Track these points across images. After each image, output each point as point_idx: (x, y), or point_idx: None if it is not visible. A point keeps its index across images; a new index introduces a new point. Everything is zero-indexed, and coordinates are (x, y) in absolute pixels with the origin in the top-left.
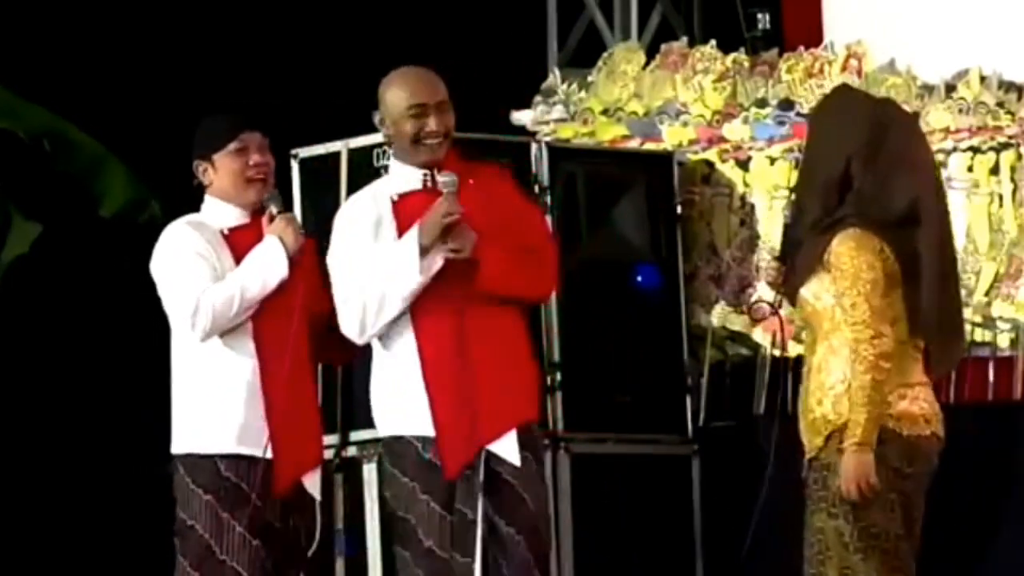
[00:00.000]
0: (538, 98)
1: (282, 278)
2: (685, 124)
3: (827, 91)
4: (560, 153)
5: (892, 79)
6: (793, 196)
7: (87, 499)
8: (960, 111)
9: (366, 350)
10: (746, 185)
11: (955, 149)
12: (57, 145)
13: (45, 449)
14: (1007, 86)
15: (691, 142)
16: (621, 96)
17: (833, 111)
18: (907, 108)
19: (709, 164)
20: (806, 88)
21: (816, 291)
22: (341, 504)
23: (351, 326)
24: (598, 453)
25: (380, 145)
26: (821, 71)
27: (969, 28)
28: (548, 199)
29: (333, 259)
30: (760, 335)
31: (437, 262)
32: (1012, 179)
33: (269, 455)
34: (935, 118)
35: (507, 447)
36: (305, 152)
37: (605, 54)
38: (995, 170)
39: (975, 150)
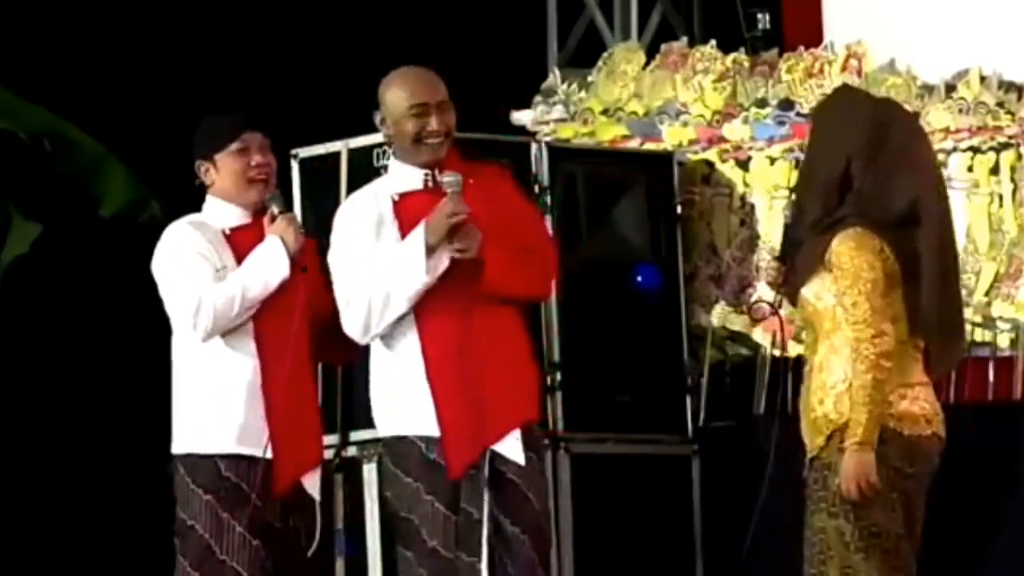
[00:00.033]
0: (538, 98)
1: (283, 278)
2: (685, 124)
3: (827, 91)
4: (560, 153)
5: (892, 79)
6: (793, 196)
7: (87, 499)
8: (960, 111)
9: (365, 350)
10: (746, 185)
11: (955, 149)
12: (57, 145)
13: (45, 449)
14: (1007, 86)
15: (691, 142)
16: (621, 96)
17: (834, 111)
18: (907, 108)
19: (709, 164)
20: (806, 88)
21: (817, 291)
22: (341, 504)
23: (354, 326)
24: (598, 453)
25: (380, 145)
26: (821, 71)
27: (969, 28)
28: (548, 199)
29: (335, 258)
30: (760, 335)
31: (443, 261)
32: (1012, 179)
33: (269, 455)
34: (935, 118)
35: (511, 447)
36: (305, 152)
37: (605, 54)
38: (995, 170)
39: (975, 150)
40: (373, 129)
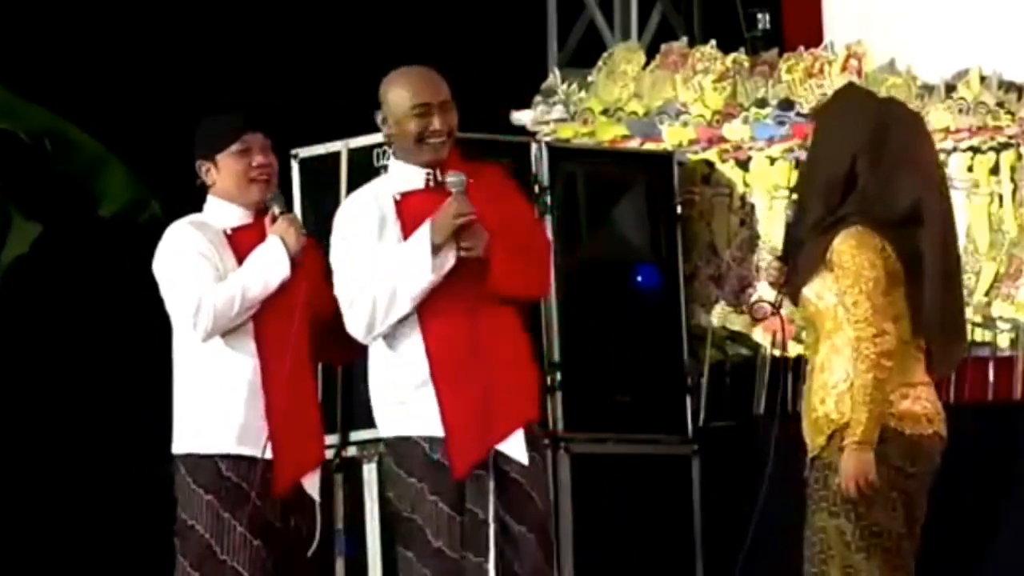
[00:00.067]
0: (538, 98)
1: (284, 278)
2: (685, 124)
3: (827, 91)
4: (560, 153)
5: (892, 79)
6: (795, 196)
7: (87, 499)
8: (960, 111)
9: (365, 350)
10: (746, 185)
11: (955, 149)
12: (57, 145)
13: (46, 449)
14: (1007, 86)
15: (691, 142)
16: (621, 96)
17: (837, 110)
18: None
19: (709, 164)
20: (806, 88)
21: (819, 290)
22: (341, 504)
23: (358, 325)
24: (598, 453)
25: (380, 145)
26: (821, 71)
27: (969, 28)
28: (548, 199)
29: (337, 258)
30: (760, 335)
31: (449, 261)
32: (1012, 179)
33: (268, 455)
34: (935, 118)
35: (515, 446)
36: (305, 152)
37: (605, 54)
38: (995, 170)
39: (975, 150)
40: (373, 129)
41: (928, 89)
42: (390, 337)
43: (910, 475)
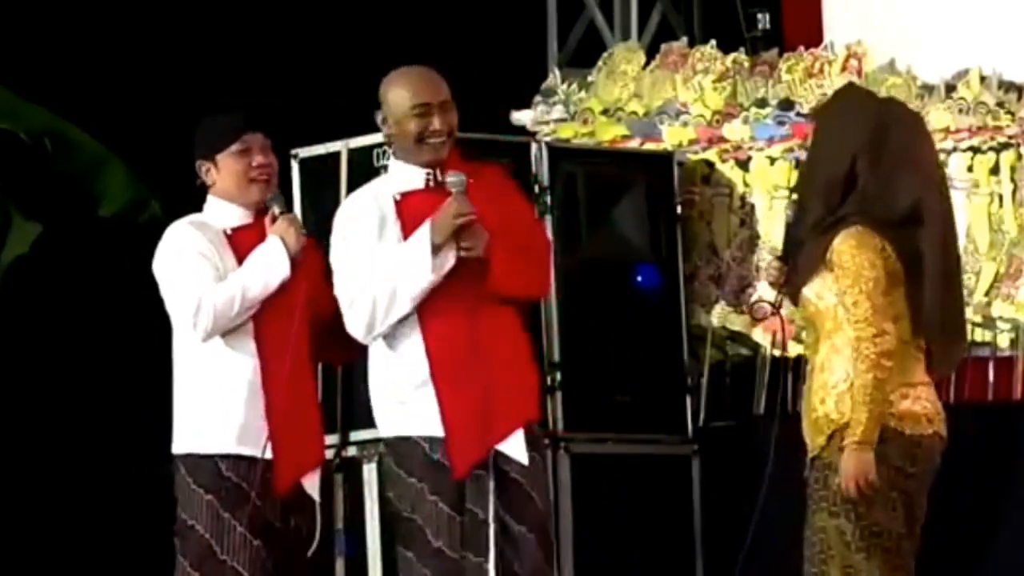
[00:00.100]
0: (538, 98)
1: (284, 278)
2: (685, 124)
3: (827, 91)
4: (560, 153)
5: (892, 79)
6: (795, 195)
7: (87, 499)
8: (960, 111)
9: (365, 350)
10: (746, 185)
11: (955, 149)
12: (57, 145)
13: (45, 449)
14: (1007, 86)
15: (691, 142)
16: (621, 96)
17: (837, 110)
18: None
19: (709, 164)
20: (806, 88)
21: (819, 290)
22: (341, 504)
23: (358, 325)
24: (598, 453)
25: (380, 145)
26: (821, 71)
27: (969, 28)
28: (548, 199)
29: (337, 258)
30: (760, 335)
31: (449, 261)
32: (1012, 179)
33: (268, 455)
34: (935, 118)
35: (516, 446)
36: (305, 152)
37: (605, 54)
38: (995, 170)
39: (975, 150)
40: (373, 129)
41: (928, 89)
42: (390, 337)
43: (910, 475)
